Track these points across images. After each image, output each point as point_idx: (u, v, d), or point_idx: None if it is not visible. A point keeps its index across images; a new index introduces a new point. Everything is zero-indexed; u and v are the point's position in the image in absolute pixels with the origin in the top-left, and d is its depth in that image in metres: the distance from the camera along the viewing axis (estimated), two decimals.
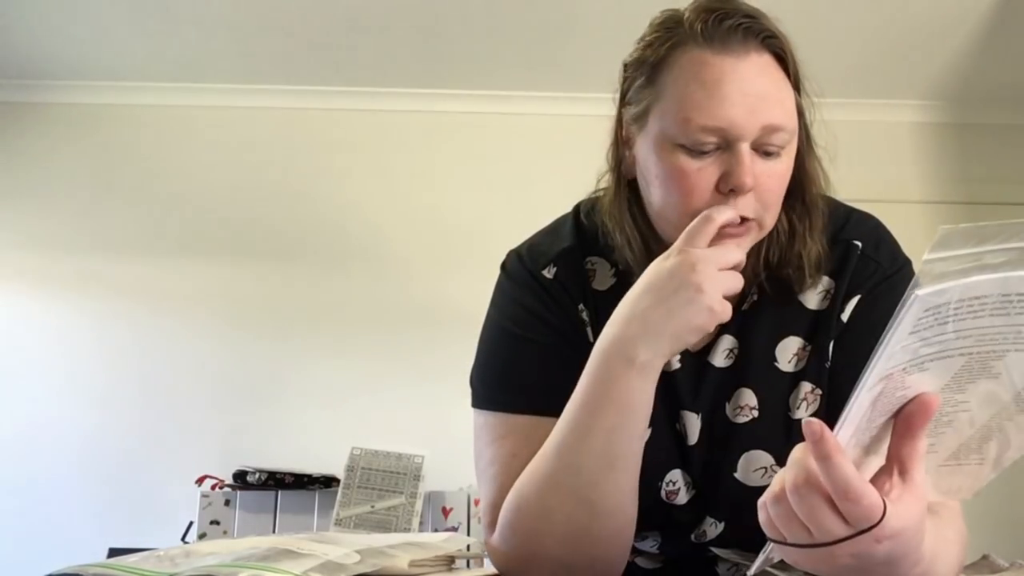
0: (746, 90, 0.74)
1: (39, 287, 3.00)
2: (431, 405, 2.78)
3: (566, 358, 0.81)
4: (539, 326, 0.87)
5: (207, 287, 3.01)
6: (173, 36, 2.86)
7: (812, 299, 0.85)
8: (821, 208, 0.85)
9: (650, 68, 0.79)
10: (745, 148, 0.74)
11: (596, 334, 0.78)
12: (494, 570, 0.80)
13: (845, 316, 0.84)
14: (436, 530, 2.41)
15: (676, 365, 0.85)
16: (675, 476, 0.84)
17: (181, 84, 3.14)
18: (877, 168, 3.10)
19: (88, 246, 3.03)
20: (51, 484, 2.80)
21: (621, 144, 0.85)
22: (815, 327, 0.85)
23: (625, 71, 0.84)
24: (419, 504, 2.31)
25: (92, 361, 2.93)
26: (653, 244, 0.83)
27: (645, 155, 0.80)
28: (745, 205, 0.75)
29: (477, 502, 2.51)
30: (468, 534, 2.46)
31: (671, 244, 0.75)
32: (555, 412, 0.78)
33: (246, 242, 3.06)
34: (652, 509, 0.83)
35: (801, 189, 0.83)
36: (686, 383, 0.85)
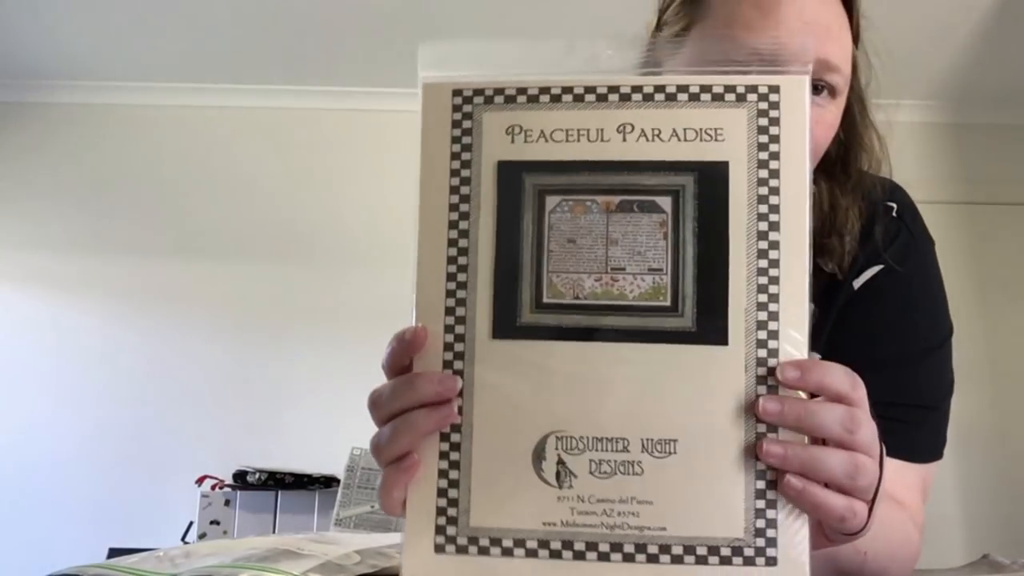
0: (807, 17, 0.64)
1: (38, 287, 3.00)
2: None
3: None
4: None
5: (207, 287, 3.01)
6: (173, 36, 2.86)
7: (827, 263, 0.76)
8: (867, 187, 0.73)
9: None
10: None
11: None
12: None
13: (858, 283, 0.74)
14: None
15: None
16: None
17: (181, 84, 3.14)
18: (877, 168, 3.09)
19: (87, 246, 3.03)
20: (51, 484, 2.80)
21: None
22: (827, 292, 0.75)
23: None
24: None
25: (91, 361, 2.93)
26: None
27: None
28: None
29: None
30: None
31: None
32: None
33: (245, 242, 3.06)
34: None
35: (849, 158, 0.74)
36: None
